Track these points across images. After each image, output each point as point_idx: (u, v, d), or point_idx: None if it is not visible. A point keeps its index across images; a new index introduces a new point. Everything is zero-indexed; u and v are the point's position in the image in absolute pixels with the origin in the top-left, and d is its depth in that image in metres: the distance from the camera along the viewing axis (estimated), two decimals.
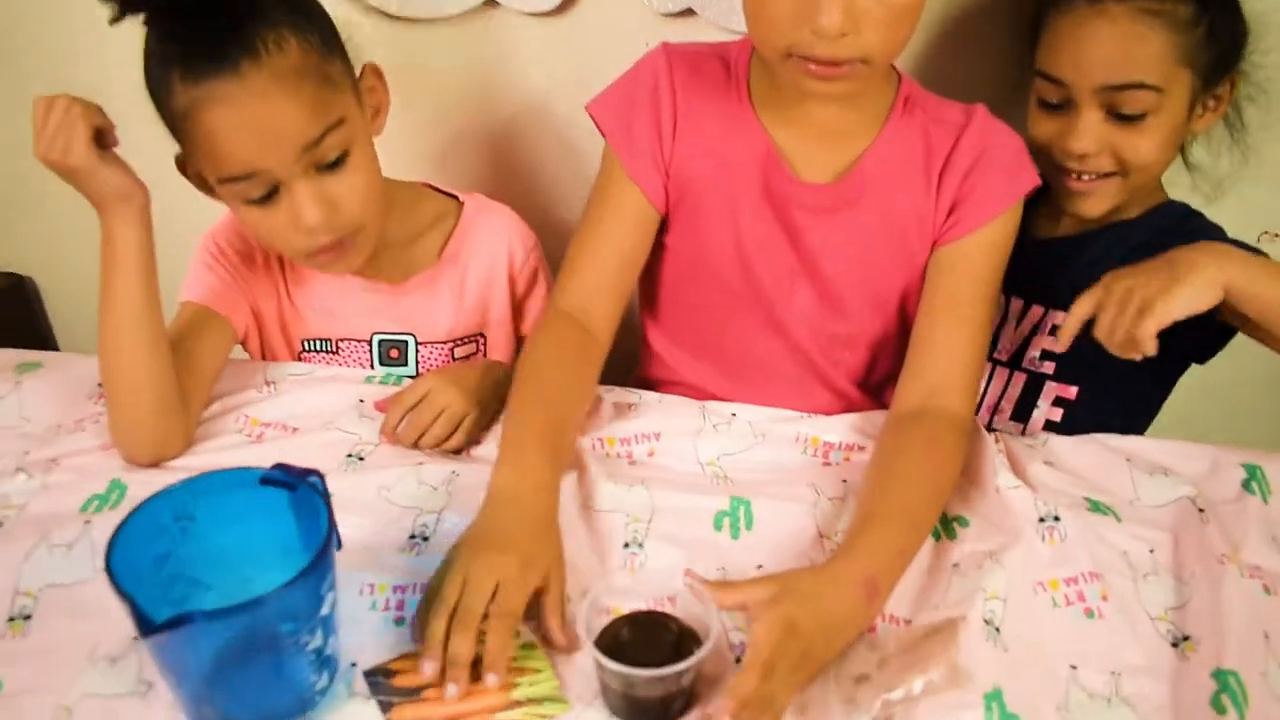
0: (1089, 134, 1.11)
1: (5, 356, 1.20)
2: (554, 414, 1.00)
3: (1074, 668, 0.84)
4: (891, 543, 0.90)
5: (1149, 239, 1.14)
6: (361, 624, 0.87)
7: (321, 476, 0.83)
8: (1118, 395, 1.22)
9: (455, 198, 1.29)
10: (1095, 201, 1.16)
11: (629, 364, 1.31)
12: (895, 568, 0.89)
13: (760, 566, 0.93)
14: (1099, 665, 0.84)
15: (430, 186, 1.29)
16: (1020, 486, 0.97)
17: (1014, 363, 1.25)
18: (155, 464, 1.03)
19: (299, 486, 0.82)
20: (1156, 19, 1.06)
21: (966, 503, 0.99)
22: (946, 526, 0.97)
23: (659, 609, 0.84)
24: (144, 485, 0.99)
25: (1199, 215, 1.20)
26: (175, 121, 1.01)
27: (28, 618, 0.87)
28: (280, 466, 0.83)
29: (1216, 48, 1.09)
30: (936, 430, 1.01)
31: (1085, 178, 1.15)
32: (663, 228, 1.15)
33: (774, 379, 1.18)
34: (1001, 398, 1.26)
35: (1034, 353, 1.23)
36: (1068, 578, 0.91)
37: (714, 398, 1.16)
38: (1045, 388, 1.23)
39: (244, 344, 1.20)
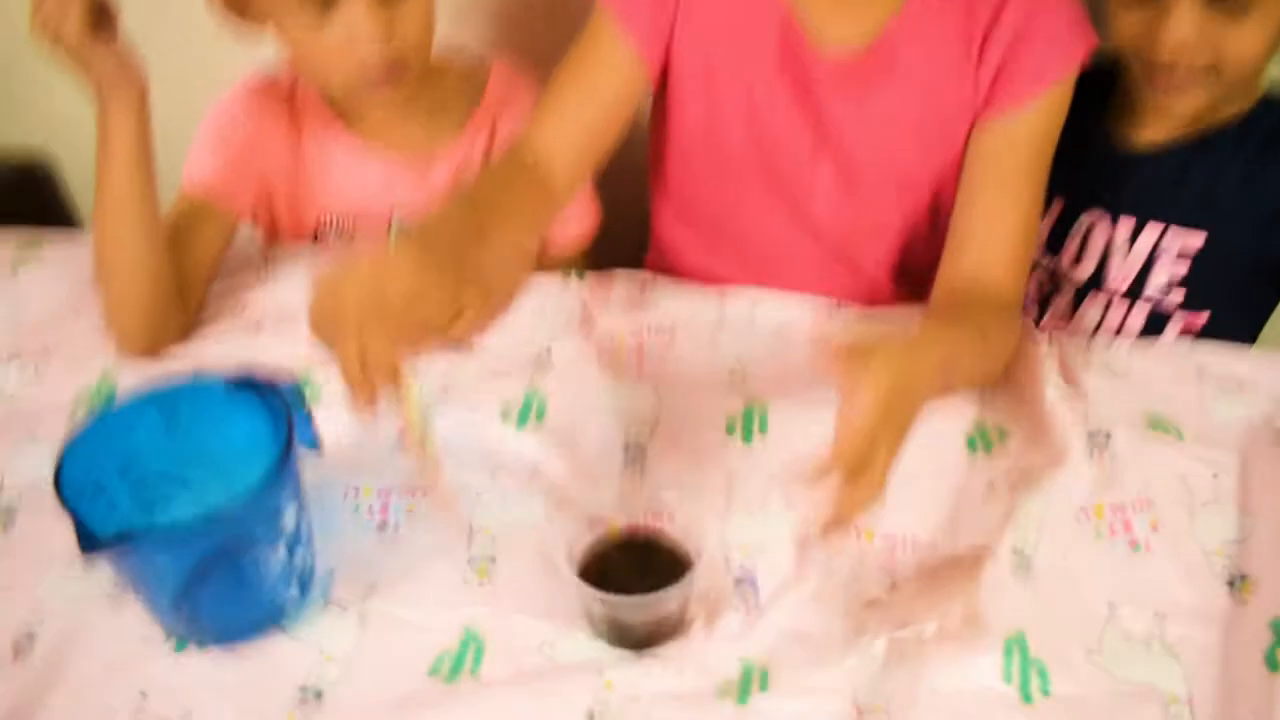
0: (1186, 22, 0.94)
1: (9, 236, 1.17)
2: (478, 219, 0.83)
3: (1112, 606, 0.75)
4: (963, 341, 0.84)
5: (1264, 144, 1.03)
6: (343, 531, 0.83)
7: (293, 380, 0.78)
8: (1252, 319, 1.11)
9: (482, 63, 1.19)
10: (1187, 100, 1.01)
11: (639, 256, 1.23)
12: (964, 366, 0.84)
13: (772, 477, 0.85)
14: (1142, 604, 0.75)
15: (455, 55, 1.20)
16: (1071, 398, 0.87)
17: (1134, 292, 1.11)
18: (149, 354, 0.99)
19: (266, 393, 0.76)
20: None
21: (1008, 412, 0.90)
22: (984, 437, 0.88)
23: (653, 525, 0.78)
24: (135, 379, 0.95)
25: None
26: None
27: (12, 513, 0.85)
28: (248, 371, 0.78)
29: None
30: (986, 306, 0.91)
31: (1178, 73, 0.98)
32: (671, 98, 1.04)
33: (795, 267, 1.07)
34: (1118, 333, 1.13)
35: (1159, 278, 1.09)
36: (1114, 504, 0.81)
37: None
38: (1173, 317, 1.11)
39: (254, 220, 1.15)
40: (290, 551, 0.74)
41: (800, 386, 0.94)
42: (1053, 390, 0.88)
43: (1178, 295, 1.08)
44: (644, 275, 1.10)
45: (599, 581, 0.73)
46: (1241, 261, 1.07)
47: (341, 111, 1.13)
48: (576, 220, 1.20)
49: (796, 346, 0.99)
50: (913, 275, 1.09)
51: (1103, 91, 1.10)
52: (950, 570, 0.75)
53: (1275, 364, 0.94)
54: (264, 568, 0.73)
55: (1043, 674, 0.71)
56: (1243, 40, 0.94)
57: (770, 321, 1.02)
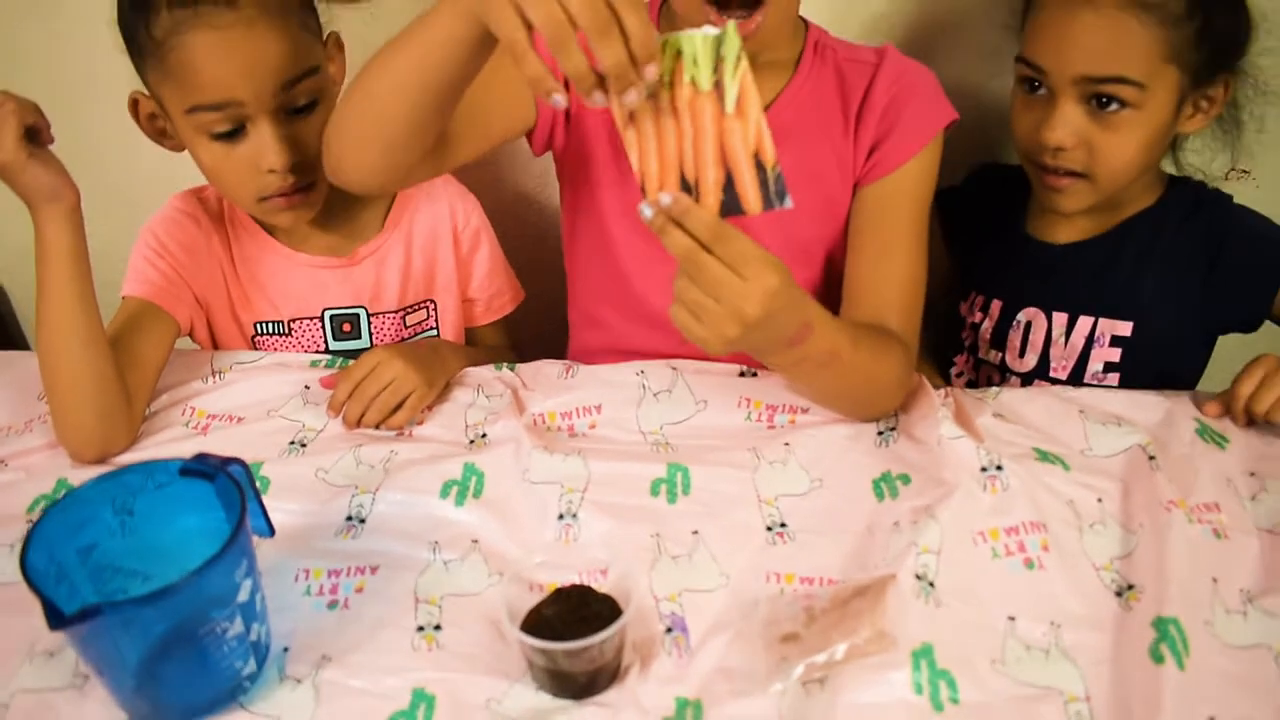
0: (1065, 125, 1.05)
1: None
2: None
3: (1012, 619, 0.82)
4: (839, 327, 0.92)
5: (1181, 219, 1.14)
6: (295, 609, 0.87)
7: (243, 465, 0.83)
8: (1188, 381, 1.20)
9: None
10: (1068, 200, 1.12)
11: (561, 347, 1.32)
12: (831, 341, 0.91)
13: (696, 532, 0.92)
14: (1038, 616, 0.82)
15: None
16: (964, 437, 0.95)
17: (1075, 379, 1.19)
18: (101, 461, 1.03)
19: (218, 476, 0.82)
20: (1145, 12, 1.00)
21: (910, 461, 0.97)
22: (890, 484, 0.95)
23: (589, 582, 0.84)
24: None
25: (1219, 193, 1.16)
26: (150, 47, 1.02)
27: None
28: (200, 457, 0.83)
29: (1210, 45, 1.03)
30: (887, 336, 1.01)
31: (1060, 175, 1.10)
32: (562, 181, 1.14)
33: None
34: None
35: (1095, 366, 1.18)
36: (1008, 528, 0.88)
37: (651, 354, 1.14)
38: None
39: (192, 334, 1.20)
40: (246, 626, 0.78)
41: (720, 449, 1.01)
42: (947, 430, 0.96)
43: (1113, 379, 1.17)
44: (568, 362, 1.17)
45: (538, 635, 0.78)
46: (1169, 342, 1.15)
47: (266, 223, 1.21)
48: (499, 296, 1.30)
49: (717, 413, 1.06)
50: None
51: (1022, 196, 1.22)
52: (859, 599, 0.82)
53: (1145, 402, 1.04)
54: (221, 642, 0.77)
55: (951, 683, 0.76)
56: (1113, 147, 1.05)
57: (688, 390, 1.09)
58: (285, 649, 0.84)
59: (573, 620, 0.80)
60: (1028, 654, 0.79)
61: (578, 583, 0.84)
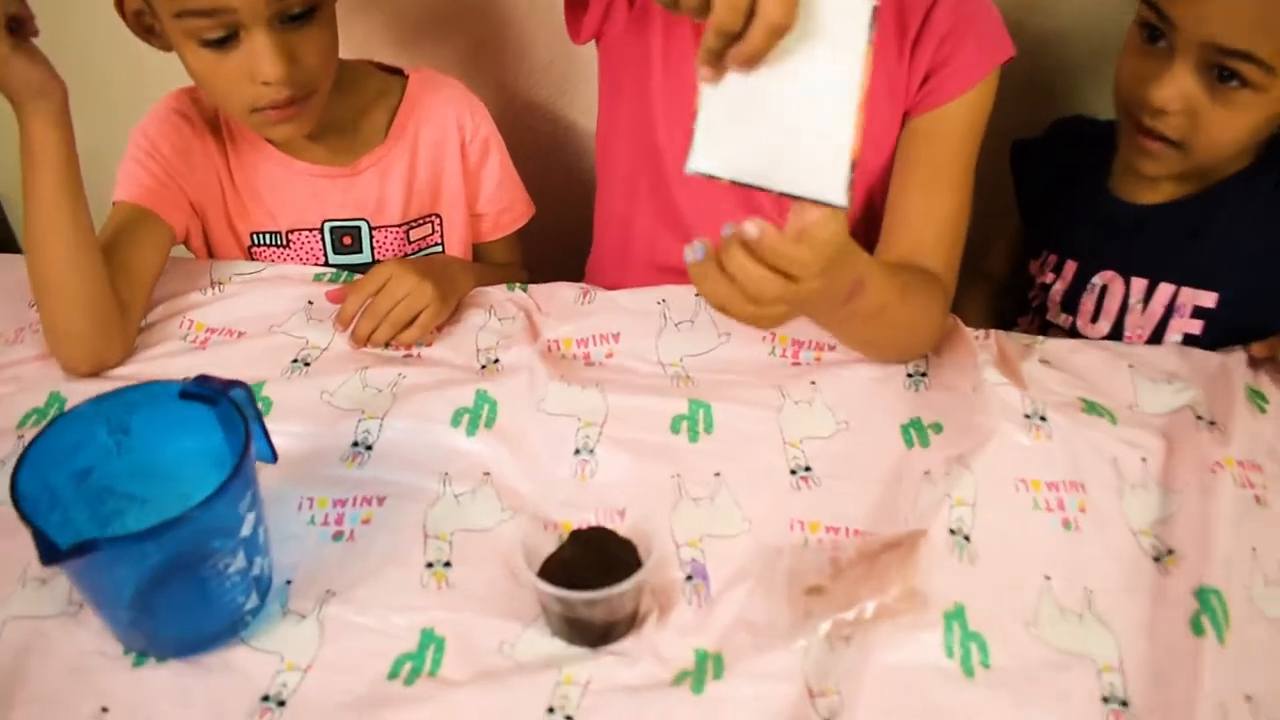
0: (1175, 87, 0.96)
1: None
2: None
3: (1048, 579, 0.79)
4: (890, 279, 0.86)
5: (1276, 185, 1.05)
6: (299, 539, 0.84)
7: (246, 388, 0.79)
8: None
9: (400, 73, 1.21)
10: (1153, 165, 1.03)
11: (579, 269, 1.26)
12: (881, 296, 0.85)
13: (718, 474, 0.88)
14: (1073, 579, 0.79)
15: (374, 64, 1.22)
16: (1007, 384, 0.91)
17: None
18: (95, 373, 0.99)
19: (220, 401, 0.77)
20: None
21: (942, 408, 0.93)
22: (920, 432, 0.92)
23: (606, 524, 0.80)
24: (83, 398, 0.95)
25: None
26: None
27: None
28: (201, 379, 0.79)
29: None
30: (927, 275, 0.95)
31: (1153, 138, 1.01)
32: (605, 71, 1.08)
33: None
34: None
35: (1173, 337, 1.10)
36: (1050, 482, 0.85)
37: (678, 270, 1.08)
38: None
39: (187, 243, 1.15)
40: (249, 560, 0.75)
41: (744, 385, 0.97)
42: (990, 376, 0.91)
43: None
44: (585, 286, 1.12)
45: (555, 580, 0.75)
46: (1255, 318, 1.05)
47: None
48: (508, 210, 1.24)
49: (740, 345, 1.02)
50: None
51: (1106, 154, 1.13)
52: (889, 553, 0.78)
53: (1199, 360, 0.99)
54: (222, 577, 0.73)
55: (983, 647, 0.74)
56: (1220, 123, 0.96)
57: (711, 321, 1.05)
58: (288, 581, 0.80)
59: (592, 566, 0.76)
60: (1062, 617, 0.76)
61: (596, 524, 0.81)
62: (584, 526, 0.80)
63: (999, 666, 0.73)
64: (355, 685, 0.74)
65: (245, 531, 0.74)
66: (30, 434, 0.91)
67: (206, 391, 0.78)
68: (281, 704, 0.73)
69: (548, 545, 0.79)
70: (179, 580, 0.73)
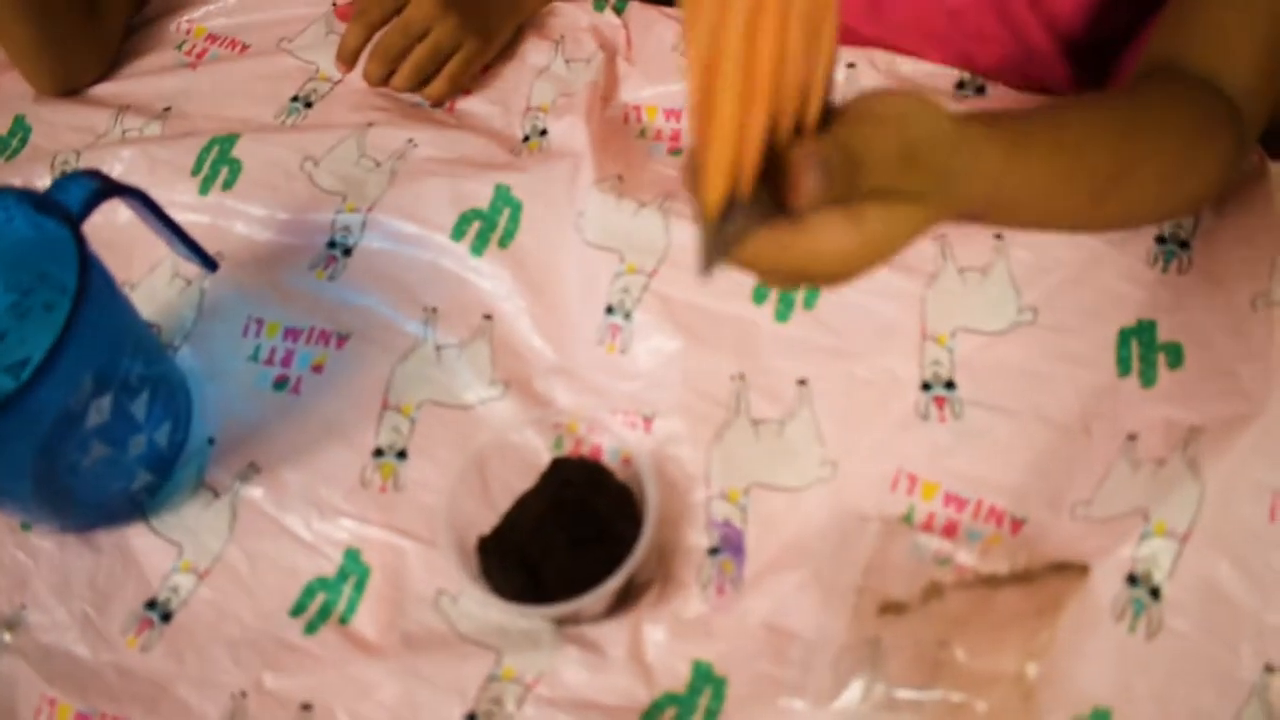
0: None
1: None
2: None
3: (1270, 671, 0.48)
4: (1048, 169, 0.45)
5: None
6: (235, 380, 0.64)
7: (142, 196, 0.57)
8: None
9: None
10: None
11: None
12: (1030, 206, 0.47)
13: (804, 382, 0.58)
14: None
15: None
16: None
17: None
18: (65, 93, 0.78)
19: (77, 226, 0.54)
20: None
21: (1194, 318, 0.56)
22: (1148, 349, 0.56)
23: (625, 430, 0.56)
24: (50, 126, 0.77)
25: None
26: None
27: None
28: (81, 178, 0.56)
29: None
30: (1200, 87, 0.53)
31: None
32: None
33: (928, 15, 0.69)
34: None
35: None
36: None
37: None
38: None
39: None
40: (116, 444, 0.56)
41: None
42: None
43: None
44: None
45: (506, 546, 0.53)
46: None
47: None
48: None
49: None
50: (1101, 53, 0.70)
51: None
52: (1019, 597, 0.49)
53: None
54: (78, 469, 0.55)
55: None
56: None
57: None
58: (210, 440, 0.62)
59: (564, 528, 0.53)
60: None
61: (592, 448, 0.56)
62: (573, 455, 0.55)
63: None
64: (250, 614, 0.57)
65: (96, 420, 0.54)
66: None
67: (66, 205, 0.55)
68: (166, 618, 0.58)
69: (527, 458, 0.55)
70: (25, 476, 0.55)
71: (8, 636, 0.58)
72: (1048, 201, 0.47)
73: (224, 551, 0.59)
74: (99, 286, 0.54)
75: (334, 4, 0.79)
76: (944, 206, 0.40)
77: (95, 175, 0.56)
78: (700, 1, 0.31)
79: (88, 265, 0.52)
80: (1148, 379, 0.56)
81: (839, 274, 0.39)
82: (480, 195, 0.66)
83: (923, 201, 0.39)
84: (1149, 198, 0.52)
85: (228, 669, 0.55)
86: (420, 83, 0.72)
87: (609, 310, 0.62)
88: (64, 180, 0.56)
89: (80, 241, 0.53)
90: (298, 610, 0.57)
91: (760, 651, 0.52)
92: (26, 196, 0.56)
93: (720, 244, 0.35)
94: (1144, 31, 0.62)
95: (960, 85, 0.68)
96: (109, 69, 0.79)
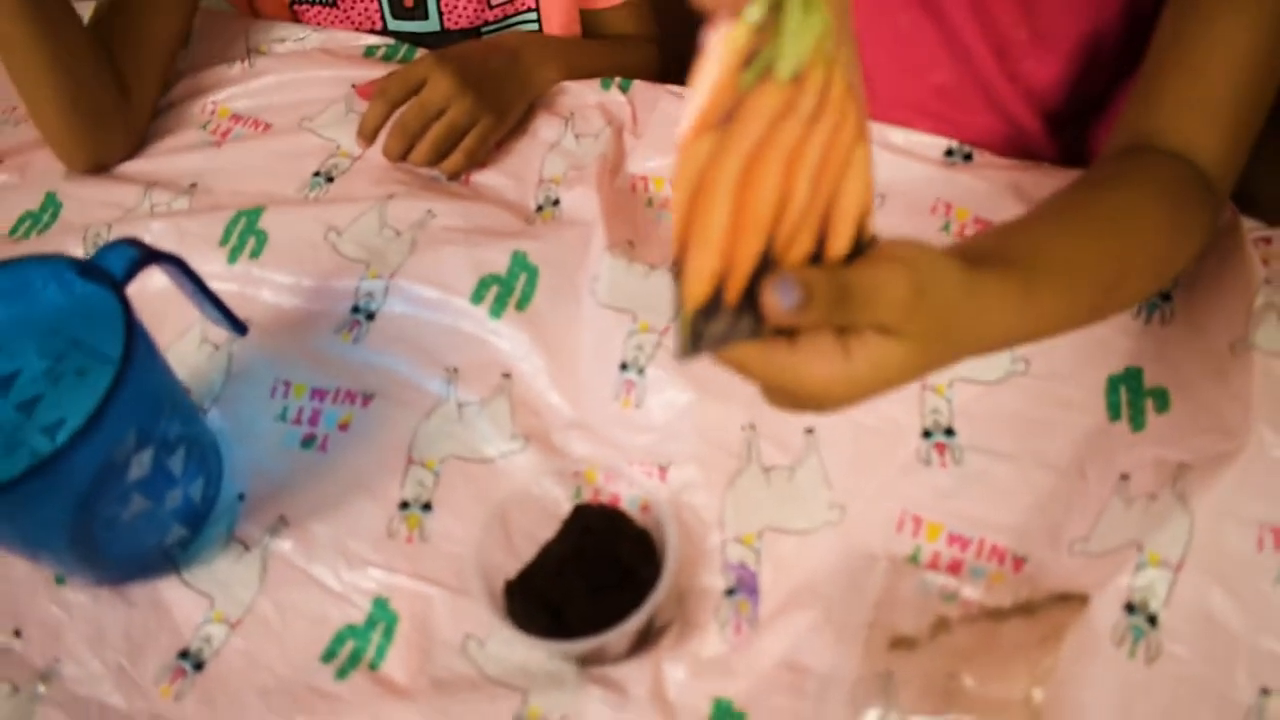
0: None
1: None
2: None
3: (1266, 693, 0.50)
4: (1056, 298, 0.47)
5: None
6: (263, 440, 0.67)
7: (178, 263, 0.60)
8: None
9: None
10: None
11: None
12: (1045, 330, 0.48)
13: (811, 431, 0.62)
14: None
15: None
16: None
17: None
18: (95, 171, 0.82)
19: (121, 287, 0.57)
20: None
21: (1177, 365, 0.60)
22: (1135, 396, 0.60)
23: (642, 479, 0.59)
24: (80, 203, 0.80)
25: None
26: None
27: None
28: (122, 245, 0.59)
29: None
30: (1173, 168, 0.58)
31: None
32: None
33: (914, 90, 0.76)
34: None
35: None
36: None
37: None
38: None
39: None
40: (154, 499, 0.58)
41: None
42: (1267, 332, 0.57)
43: None
44: None
45: (532, 588, 0.55)
46: None
47: None
48: None
49: (894, 211, 0.71)
50: (1077, 122, 0.75)
51: None
52: (1020, 623, 0.52)
53: None
54: (116, 522, 0.57)
55: None
56: None
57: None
58: (240, 496, 0.64)
59: (585, 573, 0.55)
60: None
61: (611, 496, 0.58)
62: (593, 502, 0.58)
63: None
64: (281, 662, 0.59)
65: (137, 474, 0.56)
66: (21, 246, 0.78)
67: (105, 271, 0.58)
68: (199, 667, 0.59)
69: (548, 508, 0.58)
70: (64, 529, 0.57)
71: (43, 689, 0.60)
72: (1062, 323, 0.49)
73: (255, 602, 0.61)
74: (142, 346, 0.56)
75: (353, 86, 0.84)
76: (946, 352, 0.42)
77: (135, 243, 0.60)
78: (689, 149, 0.32)
79: (133, 326, 0.55)
80: (1137, 423, 0.59)
81: (822, 400, 0.40)
82: (498, 262, 0.70)
83: (922, 345, 0.40)
84: (1145, 286, 0.56)
85: (261, 715, 0.57)
86: (438, 158, 0.76)
87: (623, 367, 0.65)
88: (106, 248, 0.59)
89: (126, 304, 0.56)
90: (328, 657, 0.58)
91: (778, 688, 0.54)
92: (73, 263, 0.59)
93: (698, 338, 0.37)
94: (1118, 98, 0.67)
95: (949, 153, 0.73)
96: (139, 146, 0.83)
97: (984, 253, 0.44)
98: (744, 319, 0.38)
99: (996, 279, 0.43)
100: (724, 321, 0.37)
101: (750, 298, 0.37)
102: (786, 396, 0.41)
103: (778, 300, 0.37)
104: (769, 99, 0.33)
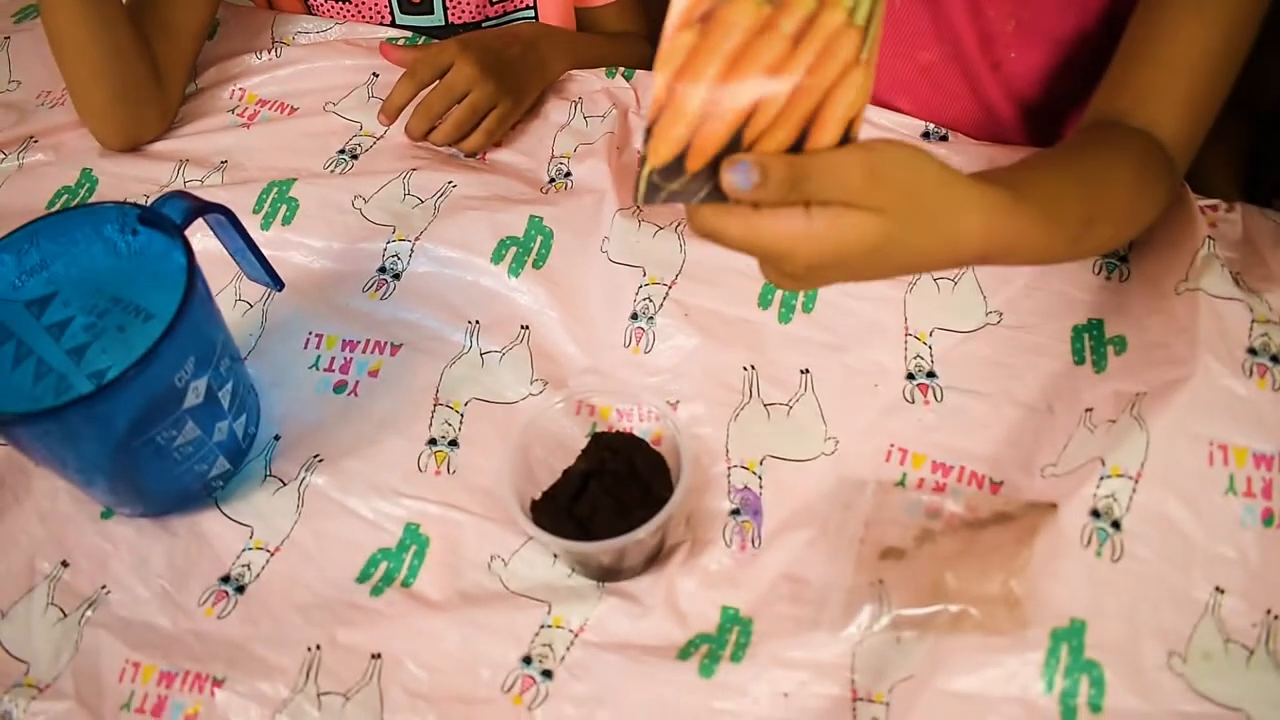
0: None
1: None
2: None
3: (1220, 592, 0.56)
4: (1036, 218, 0.53)
5: None
6: (298, 386, 0.72)
7: (226, 214, 0.65)
8: None
9: None
10: None
11: None
12: (1025, 247, 0.54)
13: (807, 371, 0.68)
14: (1255, 600, 0.55)
15: None
16: (1237, 299, 0.63)
17: None
18: (131, 148, 0.87)
19: (178, 233, 0.63)
20: None
21: (1134, 315, 0.67)
22: (1098, 343, 0.67)
23: (652, 417, 0.64)
24: (116, 178, 0.85)
25: None
26: None
27: None
28: (177, 197, 0.64)
29: None
30: (1141, 139, 0.65)
31: None
32: None
33: (901, 67, 0.82)
34: None
35: None
36: (1262, 455, 0.59)
37: None
38: None
39: None
40: (205, 429, 0.63)
41: None
42: (1211, 278, 0.64)
43: None
44: None
45: (556, 506, 0.60)
46: None
47: None
48: None
49: None
50: (1052, 113, 0.83)
51: None
52: (998, 529, 0.58)
53: None
54: (168, 449, 0.62)
55: (1098, 682, 0.53)
56: None
57: None
58: (276, 437, 0.69)
59: (608, 491, 0.60)
60: (1225, 653, 0.54)
61: (624, 430, 0.64)
62: (610, 430, 0.64)
63: (1114, 710, 0.53)
64: (319, 583, 0.63)
65: (192, 401, 0.61)
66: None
67: (171, 218, 0.63)
68: (240, 589, 0.64)
69: (565, 447, 0.63)
70: (122, 451, 0.62)
71: (90, 613, 0.64)
72: (1039, 244, 0.54)
73: (292, 531, 0.65)
74: (201, 283, 0.61)
75: (380, 48, 0.87)
76: (912, 234, 0.47)
77: (187, 195, 0.65)
78: (673, 39, 0.40)
79: (193, 261, 0.60)
80: (1100, 366, 0.66)
81: (793, 259, 0.45)
82: (516, 225, 0.76)
83: (882, 218, 0.45)
84: (1112, 234, 0.62)
85: (301, 628, 0.61)
86: (460, 138, 0.82)
87: (633, 317, 0.71)
88: (162, 199, 0.64)
89: (186, 243, 0.61)
90: (363, 577, 0.63)
91: (779, 597, 0.60)
92: (132, 211, 0.64)
93: (654, 190, 0.44)
94: (1092, 96, 0.74)
95: (926, 135, 0.80)
96: (169, 128, 0.88)
97: (977, 175, 0.51)
98: (703, 186, 0.44)
99: (980, 184, 0.49)
100: (680, 183, 0.44)
101: (713, 170, 0.44)
102: (769, 264, 0.47)
103: (734, 179, 0.43)
104: (743, 12, 0.40)
